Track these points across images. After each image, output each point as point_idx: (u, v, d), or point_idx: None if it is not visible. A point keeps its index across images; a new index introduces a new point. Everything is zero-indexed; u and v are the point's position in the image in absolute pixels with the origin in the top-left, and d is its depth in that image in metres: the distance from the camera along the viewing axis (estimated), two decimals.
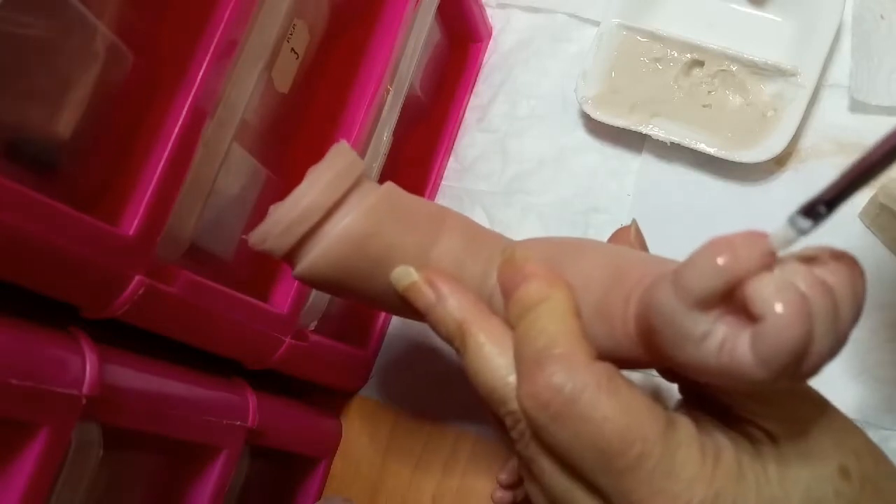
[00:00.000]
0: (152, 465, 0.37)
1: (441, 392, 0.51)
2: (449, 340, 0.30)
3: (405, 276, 0.30)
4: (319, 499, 0.50)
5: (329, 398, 0.52)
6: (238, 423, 0.39)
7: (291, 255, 0.30)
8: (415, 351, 0.53)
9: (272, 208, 0.30)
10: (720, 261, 0.22)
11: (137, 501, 0.37)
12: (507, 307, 0.29)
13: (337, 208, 0.30)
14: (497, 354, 0.28)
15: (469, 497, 0.48)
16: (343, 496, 0.50)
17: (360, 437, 0.51)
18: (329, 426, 0.51)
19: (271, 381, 0.44)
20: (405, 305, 0.31)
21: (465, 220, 0.33)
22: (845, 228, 0.46)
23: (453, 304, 0.29)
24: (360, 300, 0.32)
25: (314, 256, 0.30)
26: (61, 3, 0.29)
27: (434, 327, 0.30)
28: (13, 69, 0.27)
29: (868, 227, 0.46)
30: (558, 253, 0.30)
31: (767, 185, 0.49)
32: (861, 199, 0.46)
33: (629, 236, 0.33)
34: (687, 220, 0.49)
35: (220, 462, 0.39)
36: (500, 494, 0.39)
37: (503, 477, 0.39)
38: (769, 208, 0.48)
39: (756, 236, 0.22)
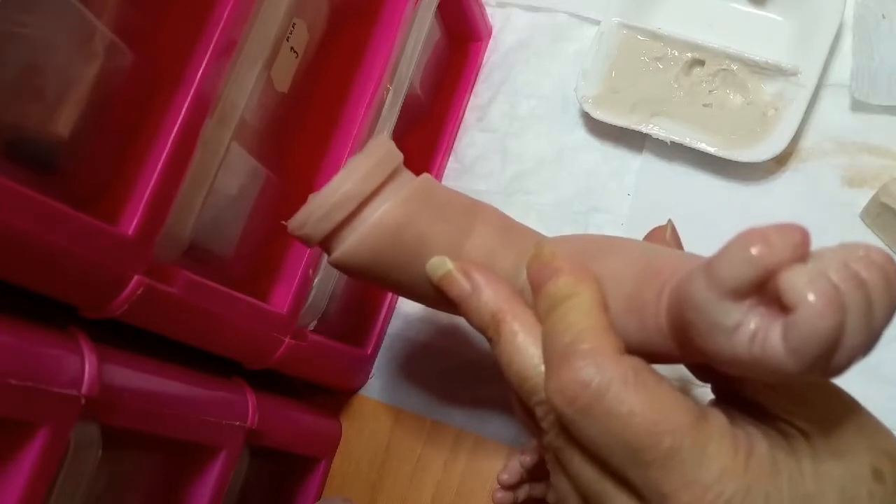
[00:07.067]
0: (152, 465, 0.37)
1: (441, 391, 0.51)
2: (482, 330, 0.30)
3: (440, 265, 0.31)
4: (319, 499, 0.50)
5: (329, 398, 0.52)
6: (238, 423, 0.39)
7: (328, 242, 0.31)
8: (415, 351, 0.52)
9: (311, 196, 0.31)
10: (754, 251, 0.22)
11: (137, 502, 0.37)
12: (535, 302, 0.29)
13: (374, 197, 0.30)
14: (530, 344, 0.28)
15: (469, 497, 0.48)
16: (343, 496, 0.50)
17: (360, 437, 0.51)
18: (329, 426, 0.51)
19: (271, 381, 0.44)
20: (439, 295, 0.31)
21: (499, 214, 0.33)
22: (847, 228, 0.46)
23: (488, 295, 0.30)
24: (394, 289, 0.33)
25: (350, 243, 0.30)
26: (61, 2, 0.28)
27: (467, 317, 0.31)
28: (13, 69, 0.27)
29: (869, 227, 0.46)
30: (589, 248, 0.30)
31: (768, 184, 0.49)
32: (863, 199, 0.46)
33: (664, 235, 0.33)
34: (687, 219, 0.49)
35: (220, 462, 0.38)
36: (501, 495, 0.39)
37: (504, 477, 0.39)
38: (770, 208, 0.48)
39: (790, 228, 0.22)
